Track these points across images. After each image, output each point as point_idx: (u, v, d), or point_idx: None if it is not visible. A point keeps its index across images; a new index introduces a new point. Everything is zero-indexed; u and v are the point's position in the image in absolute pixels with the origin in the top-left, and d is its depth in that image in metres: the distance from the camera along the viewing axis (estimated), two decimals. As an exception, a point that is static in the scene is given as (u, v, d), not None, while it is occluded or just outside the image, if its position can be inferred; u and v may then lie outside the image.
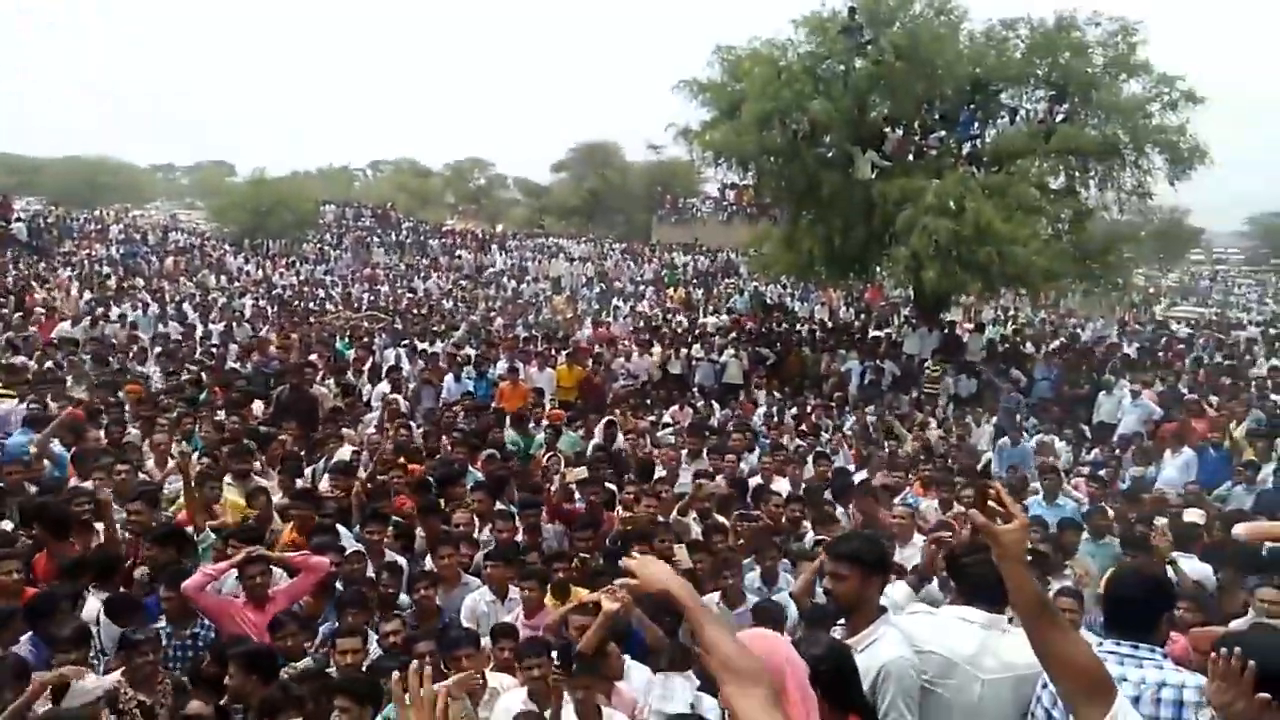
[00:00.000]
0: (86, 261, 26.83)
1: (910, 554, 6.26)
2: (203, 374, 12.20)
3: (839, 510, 7.36)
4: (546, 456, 8.39)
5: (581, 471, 7.86)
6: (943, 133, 17.98)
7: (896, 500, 7.49)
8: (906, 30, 17.24)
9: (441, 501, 7.18)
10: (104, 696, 3.92)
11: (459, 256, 35.77)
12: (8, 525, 6.22)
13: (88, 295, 19.59)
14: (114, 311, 17.14)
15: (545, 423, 10.51)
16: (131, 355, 13.52)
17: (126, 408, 9.54)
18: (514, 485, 7.74)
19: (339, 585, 5.65)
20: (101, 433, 8.29)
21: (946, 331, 18.59)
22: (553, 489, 7.22)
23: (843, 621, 3.36)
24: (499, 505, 7.11)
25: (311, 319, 19.56)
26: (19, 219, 30.46)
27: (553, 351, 15.61)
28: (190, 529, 6.23)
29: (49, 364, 11.83)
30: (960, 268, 15.71)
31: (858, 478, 8.71)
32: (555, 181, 57.07)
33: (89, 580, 5.28)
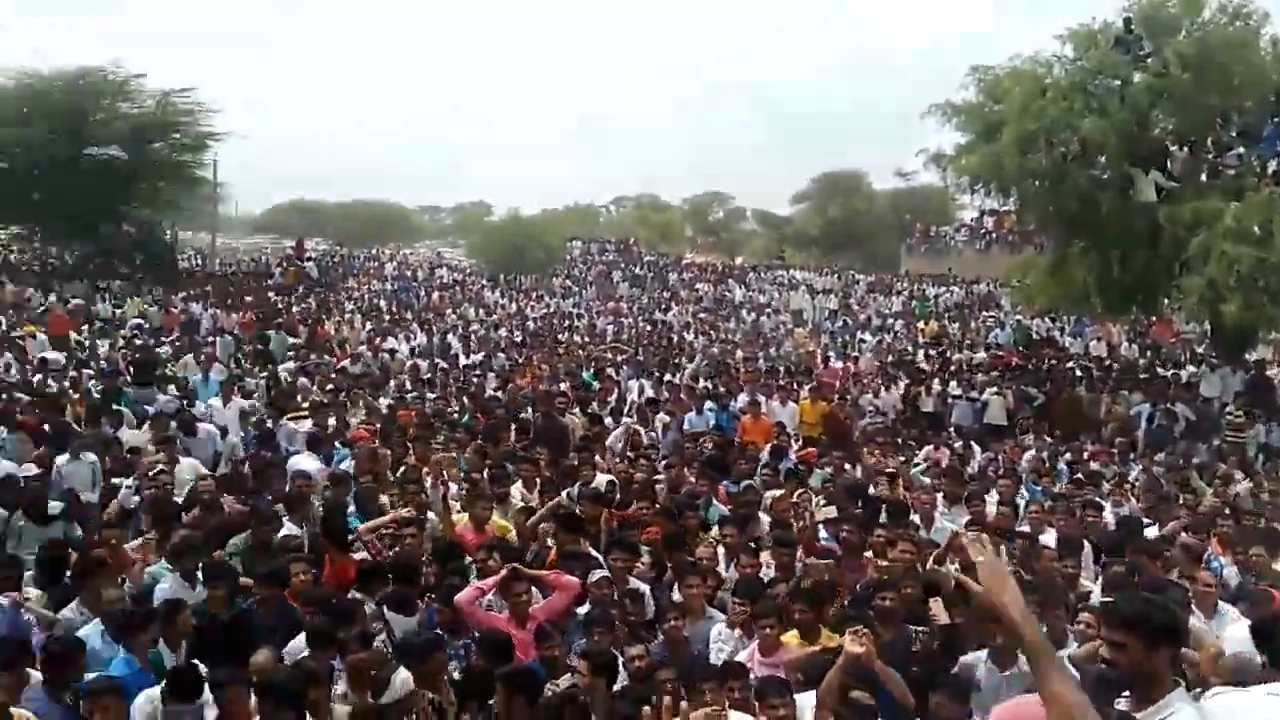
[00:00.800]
0: (367, 295, 30.05)
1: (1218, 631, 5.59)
2: (465, 401, 13.30)
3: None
4: (797, 494, 8.33)
5: (830, 510, 7.76)
6: (1242, 149, 16.23)
7: (1201, 564, 6.70)
8: (1194, 39, 15.79)
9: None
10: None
11: (698, 289, 36.32)
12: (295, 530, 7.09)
13: (369, 326, 22.04)
14: (387, 343, 19.18)
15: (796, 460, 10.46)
16: (406, 383, 14.98)
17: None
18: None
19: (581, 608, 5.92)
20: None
21: (1253, 373, 16.58)
22: (804, 526, 7.17)
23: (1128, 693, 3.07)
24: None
25: (560, 350, 20.61)
26: (310, 258, 34.78)
27: (795, 386, 15.53)
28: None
29: (330, 389, 13.47)
30: (1268, 300, 14.05)
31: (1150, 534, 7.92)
32: (796, 212, 56.99)
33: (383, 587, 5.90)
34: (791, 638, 5.51)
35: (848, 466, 10.17)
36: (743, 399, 13.70)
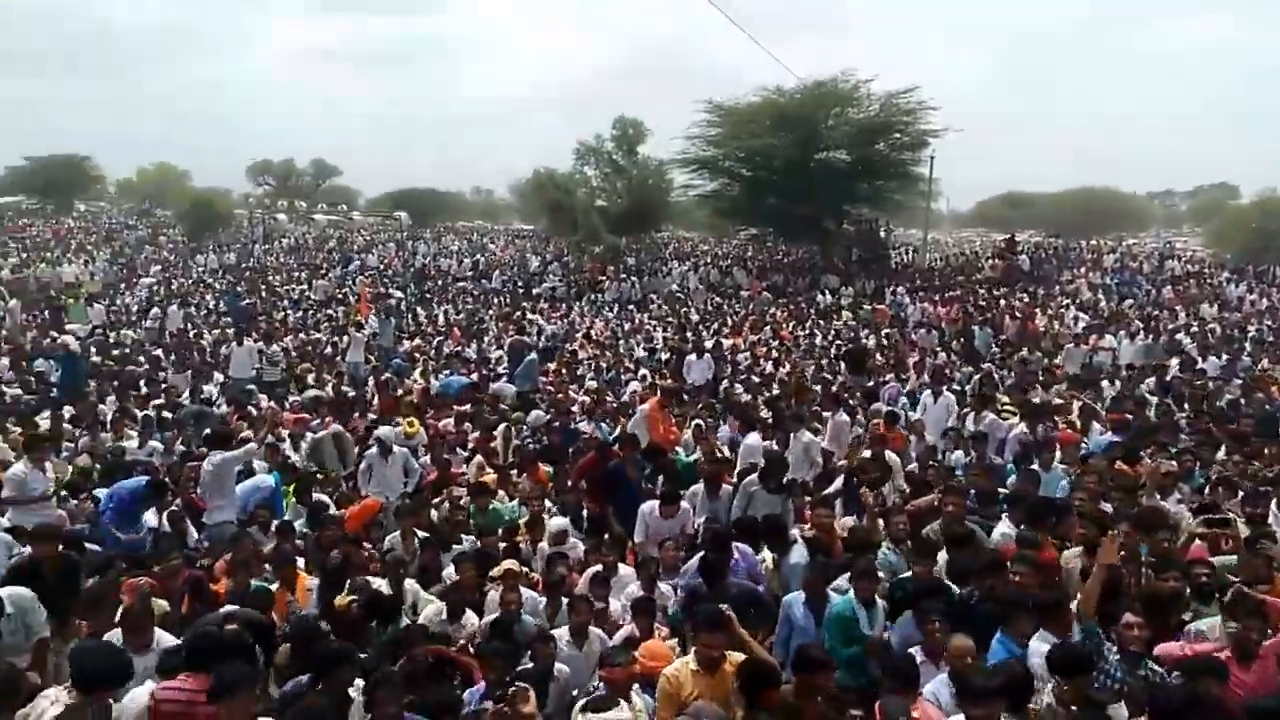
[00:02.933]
0: (1084, 289, 28.82)
1: None
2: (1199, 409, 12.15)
3: None
4: None
5: None
6: None
7: None
8: None
9: None
10: None
11: None
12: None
13: (1083, 322, 21.24)
14: (1105, 340, 18.31)
15: None
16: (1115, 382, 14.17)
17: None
18: None
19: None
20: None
21: None
22: None
23: None
24: None
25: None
26: (1021, 251, 34.57)
27: None
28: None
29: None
30: None
31: None
32: None
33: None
34: None
35: None
36: None
